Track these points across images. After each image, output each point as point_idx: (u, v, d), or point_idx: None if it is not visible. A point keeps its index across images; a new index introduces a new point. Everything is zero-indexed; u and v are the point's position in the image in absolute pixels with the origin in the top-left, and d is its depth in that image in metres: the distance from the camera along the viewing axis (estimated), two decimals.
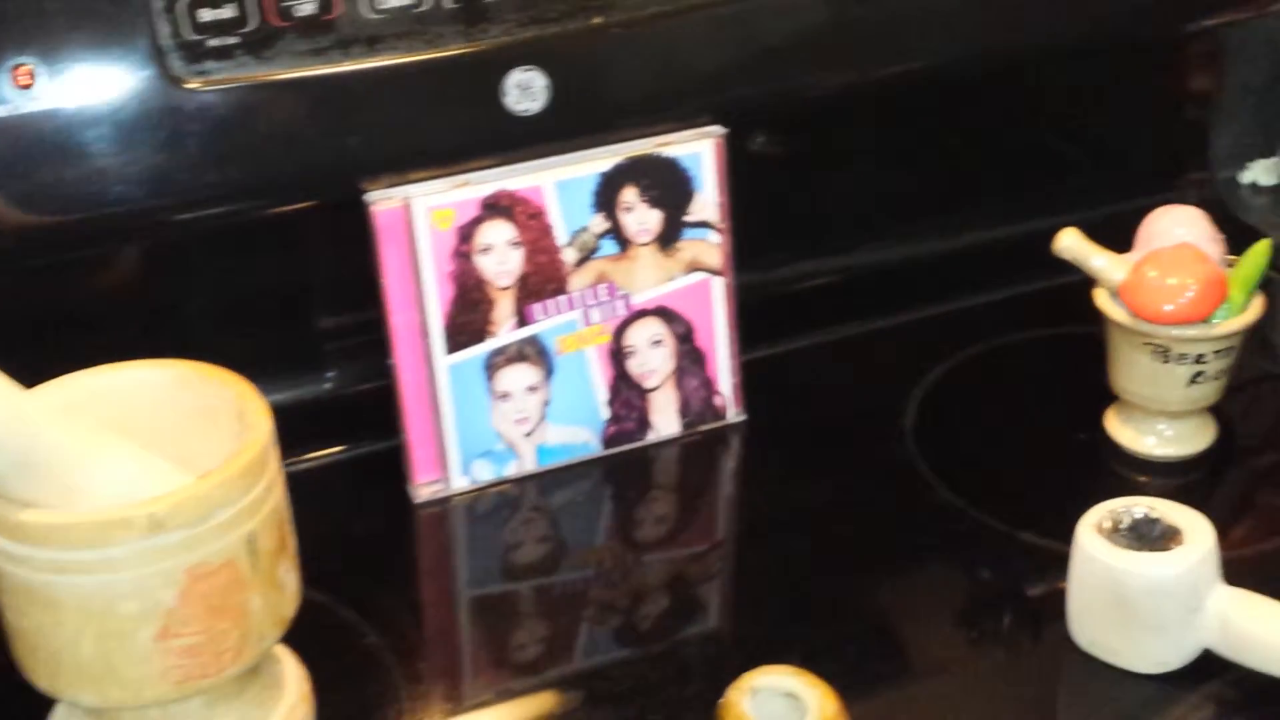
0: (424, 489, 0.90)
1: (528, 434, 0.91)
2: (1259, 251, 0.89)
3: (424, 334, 0.88)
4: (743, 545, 0.89)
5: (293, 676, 0.72)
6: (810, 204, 1.08)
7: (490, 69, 0.85)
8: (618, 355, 0.92)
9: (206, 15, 0.79)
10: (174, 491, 0.62)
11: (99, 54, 0.78)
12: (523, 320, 0.90)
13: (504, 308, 0.89)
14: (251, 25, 0.80)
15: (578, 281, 0.90)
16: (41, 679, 0.65)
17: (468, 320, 0.88)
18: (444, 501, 0.90)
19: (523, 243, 0.88)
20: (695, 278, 0.93)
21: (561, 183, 0.88)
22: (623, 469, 0.93)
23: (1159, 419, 0.91)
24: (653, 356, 0.93)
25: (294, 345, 0.96)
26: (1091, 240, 0.90)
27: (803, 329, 1.04)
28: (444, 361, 0.88)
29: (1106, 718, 0.75)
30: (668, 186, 0.91)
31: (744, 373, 0.95)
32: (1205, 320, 0.87)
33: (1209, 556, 0.74)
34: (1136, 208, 0.93)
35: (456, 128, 0.87)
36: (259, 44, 0.81)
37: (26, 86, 0.77)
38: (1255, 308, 0.88)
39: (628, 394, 0.93)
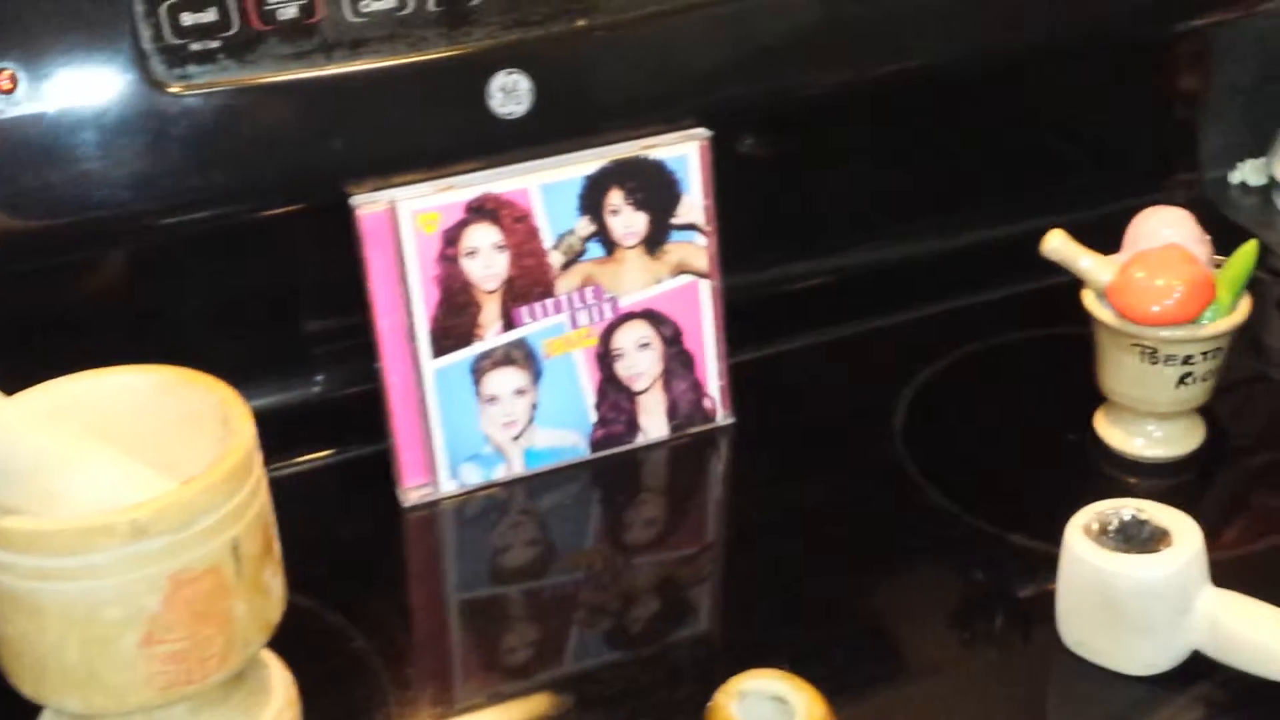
0: (412, 493, 0.90)
1: (515, 437, 0.91)
2: (1246, 252, 0.89)
3: (410, 337, 0.87)
4: (732, 548, 0.89)
5: (279, 682, 0.72)
6: (800, 204, 1.07)
7: (474, 72, 0.85)
8: (605, 358, 0.92)
9: (188, 19, 0.79)
10: (157, 498, 0.62)
11: (81, 58, 0.78)
12: (509, 323, 0.89)
13: (490, 311, 0.89)
14: (234, 29, 0.80)
15: (564, 284, 0.90)
16: (26, 686, 0.65)
17: (454, 324, 0.88)
18: (432, 505, 0.90)
19: (508, 246, 0.88)
20: (682, 280, 0.93)
21: (547, 185, 0.88)
22: (611, 472, 0.93)
23: (1148, 420, 0.90)
24: (640, 359, 0.93)
25: (282, 349, 0.96)
26: (1081, 241, 0.90)
27: (792, 330, 1.04)
28: (431, 365, 0.88)
29: (1095, 719, 0.75)
30: (654, 189, 0.90)
31: (733, 374, 0.95)
32: (1193, 321, 0.87)
33: (1197, 558, 0.74)
34: (1126, 208, 0.93)
35: (441, 131, 0.87)
36: (241, 48, 0.80)
37: (8, 91, 0.77)
38: (1243, 308, 0.88)
39: (616, 397, 0.93)
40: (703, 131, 0.91)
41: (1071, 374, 0.94)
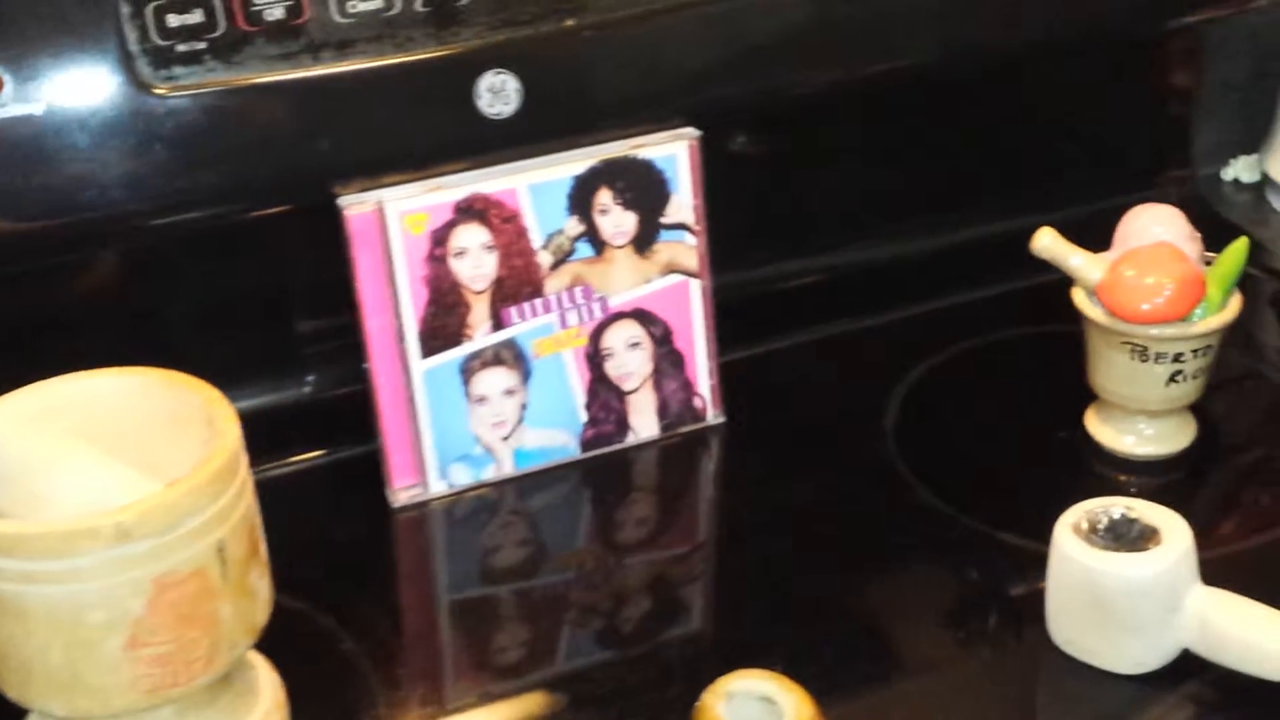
0: (402, 493, 0.90)
1: (505, 438, 0.91)
2: (1237, 249, 0.89)
3: (399, 338, 0.87)
4: (723, 547, 0.89)
5: (267, 683, 0.71)
6: (790, 203, 1.07)
7: (462, 72, 0.85)
8: (595, 358, 0.92)
9: (174, 20, 0.79)
10: (141, 500, 0.62)
11: (67, 60, 0.78)
12: (498, 324, 0.89)
13: (479, 311, 0.89)
14: (220, 30, 0.80)
15: (553, 284, 0.90)
16: (11, 689, 0.65)
17: (443, 324, 0.88)
18: (422, 506, 0.90)
19: (497, 246, 0.88)
20: (672, 280, 0.92)
21: (535, 186, 0.88)
22: (602, 472, 0.93)
23: (1138, 418, 0.90)
24: (630, 359, 0.93)
25: (273, 349, 0.96)
26: (1074, 238, 0.90)
27: (783, 329, 1.04)
28: (420, 366, 0.88)
29: (1085, 718, 0.75)
30: (643, 189, 0.90)
31: (724, 373, 0.95)
32: (1183, 319, 0.87)
33: (1187, 556, 0.73)
34: (1118, 205, 0.93)
35: (429, 131, 0.86)
36: (228, 49, 0.80)
37: None
38: (1233, 306, 0.88)
39: (606, 396, 0.93)
40: (692, 131, 0.91)
41: (1062, 372, 0.94)
